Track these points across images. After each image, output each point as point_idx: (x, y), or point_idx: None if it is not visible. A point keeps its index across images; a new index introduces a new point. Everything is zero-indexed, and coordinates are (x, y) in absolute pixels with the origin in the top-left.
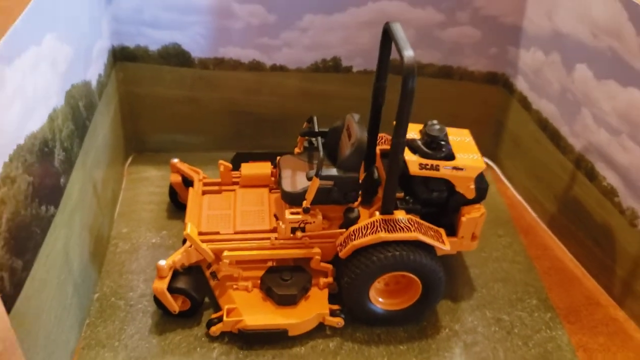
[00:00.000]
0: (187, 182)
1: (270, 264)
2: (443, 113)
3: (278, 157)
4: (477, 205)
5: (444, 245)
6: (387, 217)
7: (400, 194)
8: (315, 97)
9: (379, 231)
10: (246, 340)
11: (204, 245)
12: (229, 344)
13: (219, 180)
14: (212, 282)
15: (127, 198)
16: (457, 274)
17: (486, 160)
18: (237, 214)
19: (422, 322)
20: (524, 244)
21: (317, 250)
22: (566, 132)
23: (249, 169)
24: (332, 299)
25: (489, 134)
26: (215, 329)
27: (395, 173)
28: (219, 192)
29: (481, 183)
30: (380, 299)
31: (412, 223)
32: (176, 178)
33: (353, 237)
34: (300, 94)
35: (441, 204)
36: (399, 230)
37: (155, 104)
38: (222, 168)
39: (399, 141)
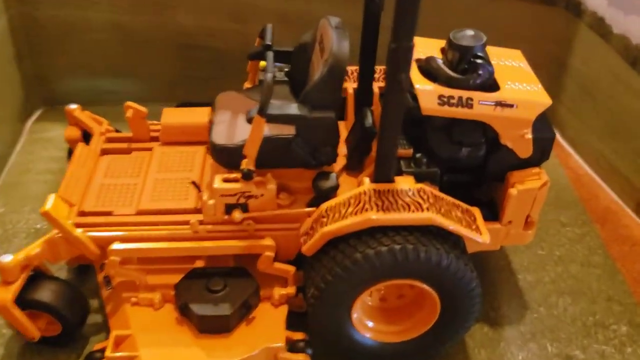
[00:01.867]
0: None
1: (198, 263)
2: None
3: None
4: (535, 170)
5: (480, 235)
6: (382, 186)
7: (407, 151)
8: (295, 23)
9: (367, 209)
10: None
11: (77, 232)
12: None
13: (129, 134)
14: (104, 292)
15: (18, 164)
16: (499, 281)
17: None
18: (146, 185)
19: None
20: (601, 237)
21: (268, 242)
22: None
23: (173, 116)
24: (294, 323)
25: (543, 79)
26: None
27: (395, 111)
28: (127, 151)
29: (543, 131)
30: (370, 324)
31: (425, 197)
32: (73, 133)
33: (325, 221)
34: (274, 19)
35: (476, 168)
36: (400, 209)
37: (63, 34)
38: (130, 113)
39: (401, 47)
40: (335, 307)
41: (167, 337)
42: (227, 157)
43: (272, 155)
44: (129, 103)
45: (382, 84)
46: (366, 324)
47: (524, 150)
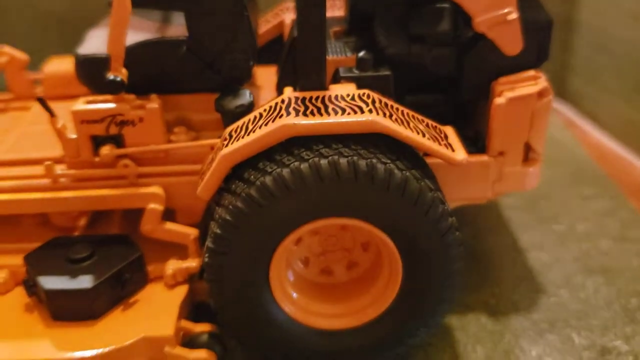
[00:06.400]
0: None
1: (81, 224)
2: None
3: None
4: (529, 72)
5: (454, 153)
6: (310, 93)
7: (350, 58)
8: None
9: (282, 115)
10: None
11: None
12: None
13: (8, 96)
14: None
15: None
16: (500, 262)
17: None
18: (10, 137)
19: None
20: (637, 211)
21: (155, 190)
22: None
23: (59, 65)
24: (201, 312)
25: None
26: None
27: None
28: (3, 110)
29: (535, 14)
30: (303, 300)
31: (370, 100)
32: None
33: (226, 144)
34: None
35: (448, 80)
36: (331, 113)
37: None
38: (5, 59)
39: None
40: (242, 265)
41: (7, 326)
42: (94, 73)
43: (157, 71)
44: (7, 49)
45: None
46: (296, 299)
47: (511, 42)
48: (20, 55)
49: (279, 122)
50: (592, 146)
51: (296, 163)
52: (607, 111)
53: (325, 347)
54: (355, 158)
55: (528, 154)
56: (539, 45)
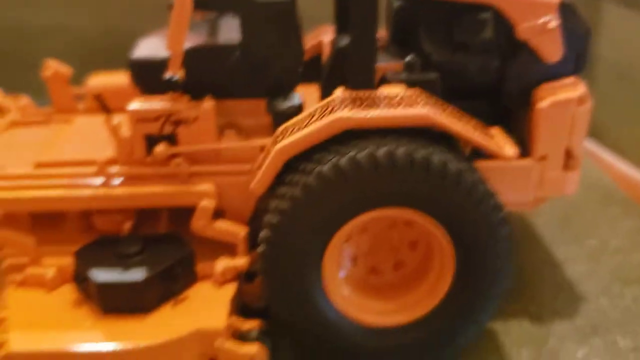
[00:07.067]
0: None
1: (126, 228)
2: None
3: None
4: (569, 80)
5: (503, 149)
6: (361, 92)
7: (398, 64)
8: None
9: (336, 110)
10: None
11: None
12: None
13: (51, 109)
14: None
15: None
16: (539, 274)
17: None
18: (57, 142)
19: None
20: None
21: (206, 187)
22: None
23: (101, 79)
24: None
25: None
26: None
27: None
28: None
29: (573, 22)
30: (348, 293)
31: (420, 98)
32: None
33: (280, 140)
34: None
35: (491, 87)
36: (385, 107)
37: None
38: (49, 73)
39: None
40: (297, 256)
41: (57, 320)
42: (148, 76)
43: (210, 75)
44: (51, 63)
45: None
46: (347, 295)
47: (551, 49)
48: (64, 69)
49: (334, 116)
50: (617, 176)
51: (353, 152)
52: (630, 141)
53: (374, 344)
54: (411, 147)
55: (568, 160)
56: (578, 53)
